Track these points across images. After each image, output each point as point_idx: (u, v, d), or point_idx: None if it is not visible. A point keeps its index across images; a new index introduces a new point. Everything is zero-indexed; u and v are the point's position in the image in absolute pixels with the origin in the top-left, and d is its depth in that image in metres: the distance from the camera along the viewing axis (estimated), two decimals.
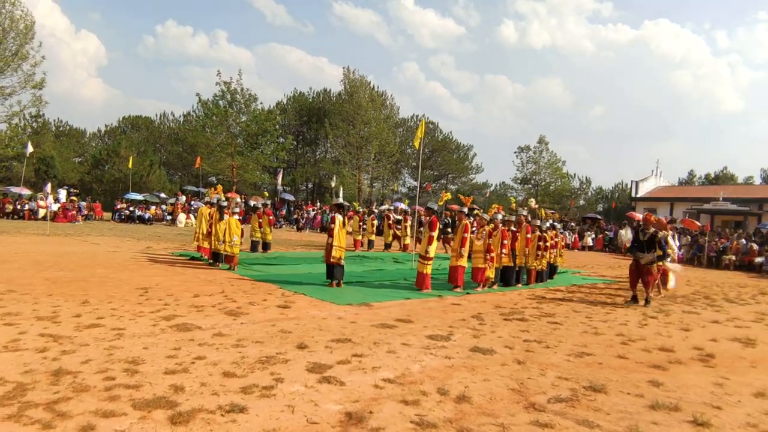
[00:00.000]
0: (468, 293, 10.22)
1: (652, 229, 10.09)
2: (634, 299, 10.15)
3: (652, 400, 4.54)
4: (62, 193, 29.18)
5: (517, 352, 5.99)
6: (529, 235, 11.94)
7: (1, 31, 29.71)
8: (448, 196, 19.37)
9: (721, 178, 51.40)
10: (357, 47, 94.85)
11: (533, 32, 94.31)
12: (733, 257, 21.43)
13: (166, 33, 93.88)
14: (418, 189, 19.96)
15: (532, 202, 15.65)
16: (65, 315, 6.49)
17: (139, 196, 33.85)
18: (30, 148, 24.21)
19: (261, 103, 39.26)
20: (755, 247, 21.36)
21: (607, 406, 4.40)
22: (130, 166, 35.73)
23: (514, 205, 15.51)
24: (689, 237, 23.63)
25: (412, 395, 4.36)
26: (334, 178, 38.42)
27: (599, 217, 34.70)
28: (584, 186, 55.18)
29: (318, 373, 4.79)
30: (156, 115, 56.13)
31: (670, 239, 11.48)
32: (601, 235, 29.07)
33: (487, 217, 11.11)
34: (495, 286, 11.19)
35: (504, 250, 11.11)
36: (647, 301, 9.99)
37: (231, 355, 5.19)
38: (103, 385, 4.16)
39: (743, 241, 22.19)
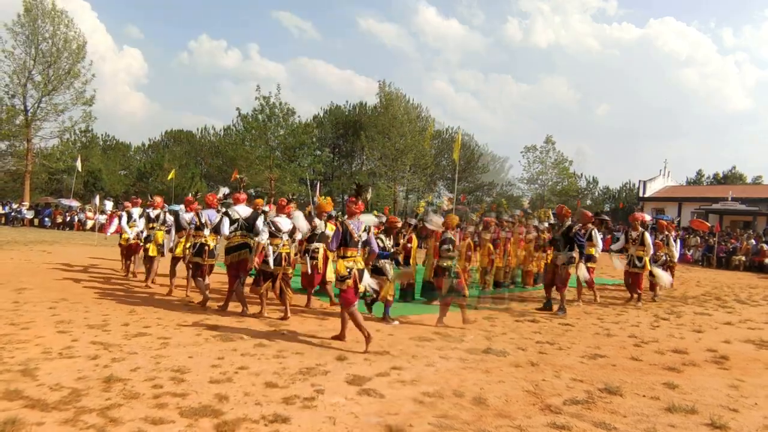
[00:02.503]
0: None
1: (568, 222, 8.80)
2: (547, 305, 8.88)
3: (669, 403, 4.51)
4: (109, 205, 30.32)
5: (530, 354, 6.02)
6: (522, 236, 11.61)
7: (56, 50, 31.32)
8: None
9: (730, 178, 50.37)
10: (384, 60, 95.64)
11: (537, 31, 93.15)
12: (743, 258, 21.06)
13: (200, 47, 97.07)
14: (454, 201, 19.89)
15: (525, 202, 15.32)
16: (114, 324, 6.74)
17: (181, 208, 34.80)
18: (79, 163, 25.34)
19: (299, 116, 40.06)
20: (765, 247, 21.16)
21: (624, 408, 4.39)
22: (169, 178, 36.83)
23: (505, 206, 15.14)
24: (699, 238, 23.19)
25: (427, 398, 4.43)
26: (370, 190, 38.73)
27: (606, 217, 33.75)
28: (591, 186, 53.98)
29: (357, 385, 4.83)
30: (197, 129, 57.84)
31: (595, 233, 10.25)
32: (609, 236, 28.37)
33: (475, 218, 10.78)
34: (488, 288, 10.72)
35: (497, 250, 10.61)
36: (559, 309, 8.68)
37: (272, 366, 5.28)
38: (151, 393, 4.30)
39: (753, 241, 21.81)
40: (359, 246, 6.39)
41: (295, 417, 3.99)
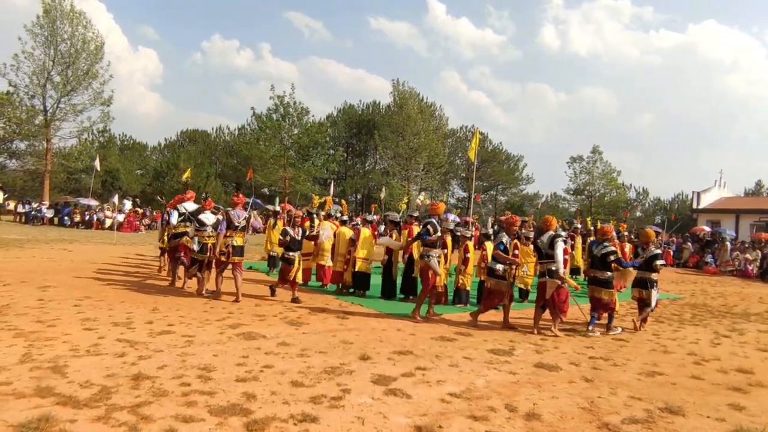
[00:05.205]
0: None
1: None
2: None
3: (736, 425, 4.31)
4: (127, 204, 30.63)
5: (584, 369, 5.82)
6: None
7: (75, 51, 31.69)
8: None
9: None
10: (395, 59, 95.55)
11: (574, 40, 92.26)
12: None
13: (212, 47, 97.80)
14: (470, 200, 19.83)
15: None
16: (138, 321, 6.79)
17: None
18: (98, 163, 25.62)
19: (313, 115, 40.16)
20: None
21: (686, 429, 4.21)
22: (185, 177, 37.10)
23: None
24: (759, 251, 22.31)
25: (480, 411, 4.31)
26: (383, 189, 38.72)
27: (659, 230, 33.26)
28: (641, 197, 53.23)
29: (383, 385, 4.81)
30: (212, 129, 58.23)
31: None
32: (661, 249, 27.91)
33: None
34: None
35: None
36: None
37: (297, 365, 5.28)
38: (180, 391, 4.32)
39: None
40: (239, 228, 8.82)
41: (324, 416, 3.98)
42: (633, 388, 5.24)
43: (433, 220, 8.34)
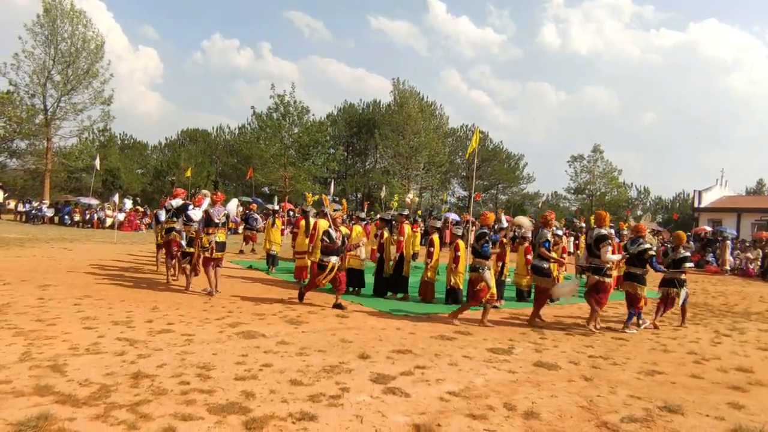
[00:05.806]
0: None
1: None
2: None
3: (735, 424, 4.30)
4: (127, 203, 30.63)
5: (583, 368, 5.82)
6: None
7: (75, 50, 31.70)
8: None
9: None
10: (396, 58, 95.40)
11: (574, 39, 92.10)
12: None
13: (213, 47, 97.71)
14: (471, 199, 19.82)
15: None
16: (138, 320, 6.80)
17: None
18: (98, 162, 25.63)
19: (313, 115, 40.15)
20: None
21: (685, 428, 4.20)
22: (186, 176, 37.12)
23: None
24: (759, 250, 22.27)
25: (478, 409, 4.31)
26: (384, 188, 38.67)
27: (661, 228, 33.21)
28: (642, 196, 53.20)
29: (382, 383, 4.81)
30: (212, 128, 58.21)
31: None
32: (662, 248, 27.84)
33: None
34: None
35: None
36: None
37: (296, 363, 5.29)
38: (179, 389, 4.32)
39: None
40: (219, 225, 9.23)
41: (322, 415, 3.98)
42: (632, 386, 5.24)
43: (486, 232, 8.24)
